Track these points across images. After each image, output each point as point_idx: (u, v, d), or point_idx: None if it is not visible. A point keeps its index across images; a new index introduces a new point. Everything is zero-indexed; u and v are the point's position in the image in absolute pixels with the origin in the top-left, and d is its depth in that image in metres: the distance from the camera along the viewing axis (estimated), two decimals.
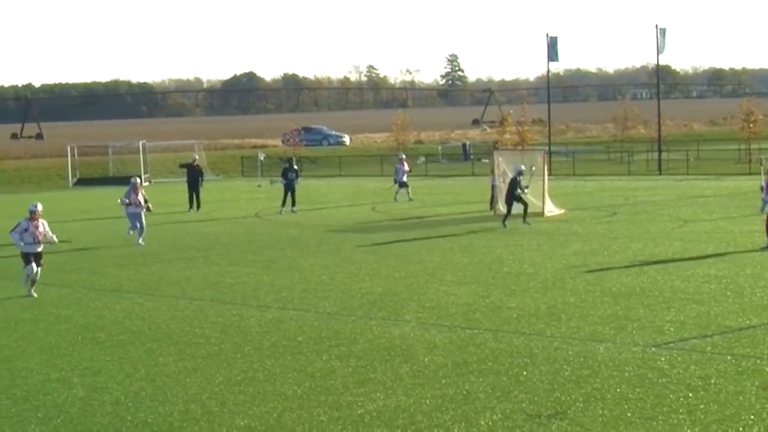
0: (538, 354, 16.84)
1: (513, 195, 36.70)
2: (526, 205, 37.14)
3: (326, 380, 15.62)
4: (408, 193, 51.55)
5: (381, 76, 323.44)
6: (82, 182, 76.62)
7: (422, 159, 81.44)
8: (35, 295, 24.07)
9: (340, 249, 31.83)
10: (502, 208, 41.31)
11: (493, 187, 42.38)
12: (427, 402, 14.24)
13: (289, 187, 46.62)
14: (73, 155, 78.39)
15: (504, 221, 36.34)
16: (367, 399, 14.49)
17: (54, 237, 24.63)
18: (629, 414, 13.36)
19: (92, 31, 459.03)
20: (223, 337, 19.11)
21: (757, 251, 27.95)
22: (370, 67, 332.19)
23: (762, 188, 30.37)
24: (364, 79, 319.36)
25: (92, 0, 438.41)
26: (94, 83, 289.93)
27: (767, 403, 13.60)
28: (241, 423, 13.62)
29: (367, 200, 52.50)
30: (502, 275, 25.44)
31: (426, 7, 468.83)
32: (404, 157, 55.42)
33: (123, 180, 49.58)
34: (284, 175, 47.25)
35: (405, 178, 52.30)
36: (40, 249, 24.41)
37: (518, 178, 36.97)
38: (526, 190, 37.66)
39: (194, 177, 49.83)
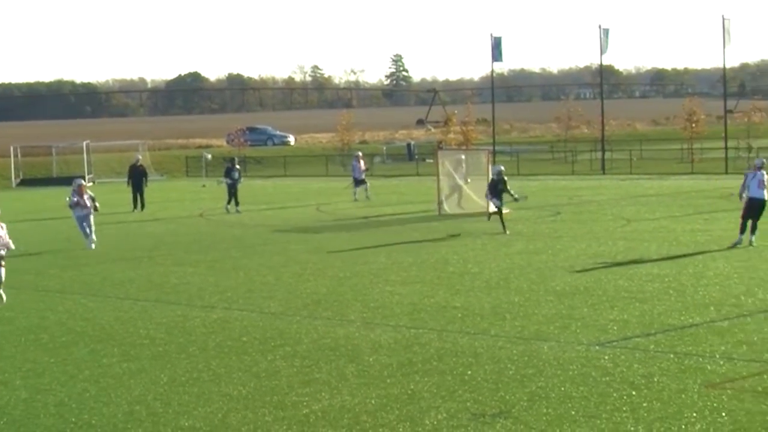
0: (483, 353, 16.89)
1: (497, 192, 34.65)
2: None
3: (271, 380, 15.60)
4: (356, 192, 51.73)
5: (325, 76, 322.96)
6: (26, 183, 76.05)
7: (378, 158, 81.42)
8: (4, 299, 23.18)
9: (285, 249, 31.78)
10: (447, 209, 41.43)
11: (445, 187, 42.28)
12: (372, 402, 14.25)
13: (233, 187, 46.59)
14: (16, 155, 77.83)
15: (503, 226, 34.19)
16: (312, 399, 14.47)
17: (11, 242, 23.39)
18: (573, 412, 13.43)
19: (35, 31, 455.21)
20: (167, 338, 19.03)
21: (698, 254, 28.07)
22: (315, 68, 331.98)
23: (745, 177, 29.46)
24: (308, 79, 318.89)
25: (34, 0, 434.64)
26: (38, 83, 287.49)
27: (709, 400, 13.72)
28: (186, 424, 13.57)
29: (312, 200, 52.45)
30: (446, 275, 25.49)
31: (370, 7, 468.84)
32: (361, 155, 55.55)
33: (67, 180, 49.20)
34: (228, 174, 47.26)
35: (363, 176, 52.48)
36: (2, 252, 23.21)
37: (497, 178, 35.25)
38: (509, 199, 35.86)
39: (138, 177, 49.76)
